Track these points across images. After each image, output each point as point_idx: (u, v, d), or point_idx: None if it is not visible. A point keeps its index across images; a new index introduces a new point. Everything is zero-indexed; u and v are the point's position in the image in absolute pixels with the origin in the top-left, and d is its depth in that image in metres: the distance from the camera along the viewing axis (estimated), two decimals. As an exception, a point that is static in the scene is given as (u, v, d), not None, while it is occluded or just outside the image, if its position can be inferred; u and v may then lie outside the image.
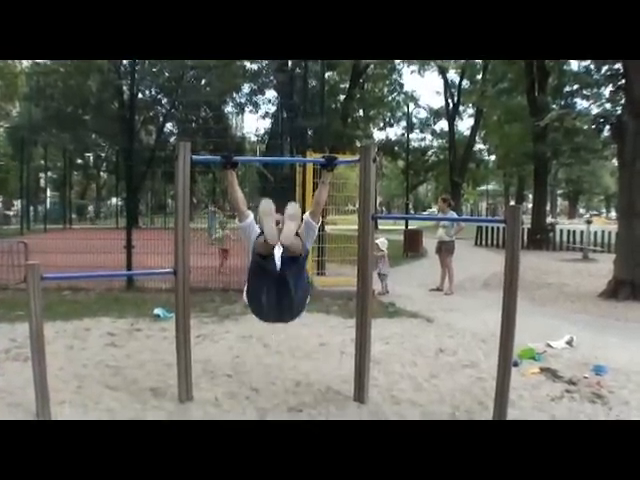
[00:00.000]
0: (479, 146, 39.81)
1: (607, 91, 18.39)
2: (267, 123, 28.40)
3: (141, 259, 9.15)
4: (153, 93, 29.24)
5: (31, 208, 30.79)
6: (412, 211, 50.69)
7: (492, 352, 4.82)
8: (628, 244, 9.22)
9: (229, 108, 30.92)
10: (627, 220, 9.38)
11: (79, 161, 37.82)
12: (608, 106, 16.97)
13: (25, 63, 28.07)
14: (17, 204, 36.06)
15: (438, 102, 47.77)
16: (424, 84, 53.92)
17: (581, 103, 21.99)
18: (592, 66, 19.36)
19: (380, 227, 22.64)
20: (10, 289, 8.34)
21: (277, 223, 3.45)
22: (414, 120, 36.30)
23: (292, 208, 3.45)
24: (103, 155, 37.94)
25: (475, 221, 38.53)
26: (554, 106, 20.81)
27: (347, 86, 28.84)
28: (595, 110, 19.13)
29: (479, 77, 31.65)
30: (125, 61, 21.58)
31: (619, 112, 11.00)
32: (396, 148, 35.21)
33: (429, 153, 40.89)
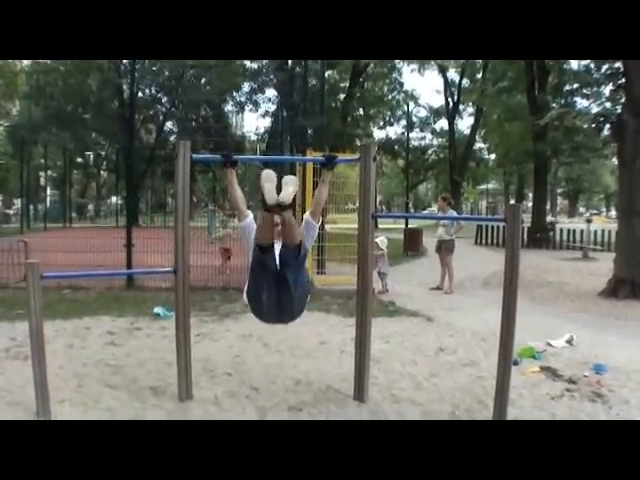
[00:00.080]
0: (479, 145, 39.83)
1: (607, 90, 18.42)
2: (267, 122, 28.48)
3: (141, 258, 9.15)
4: (153, 92, 29.26)
5: (31, 207, 30.81)
6: (412, 210, 50.72)
7: (492, 351, 4.82)
8: (628, 243, 9.22)
9: (229, 107, 31.00)
10: (627, 219, 9.38)
11: (79, 160, 37.81)
12: (608, 105, 16.97)
13: (25, 62, 28.06)
14: (17, 203, 36.05)
15: (438, 101, 47.99)
16: (424, 83, 54.25)
17: (581, 102, 22.01)
18: (592, 65, 19.36)
19: (380, 226, 22.63)
20: (10, 288, 8.34)
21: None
22: (414, 119, 36.29)
23: (288, 177, 3.57)
24: (103, 154, 37.96)
25: (475, 220, 38.53)
26: (554, 105, 20.79)
27: (347, 85, 28.86)
28: (595, 109, 19.14)
29: (479, 76, 31.64)
30: (125, 60, 21.57)
31: (619, 111, 11.00)
32: (396, 147, 35.23)
33: (429, 152, 40.85)
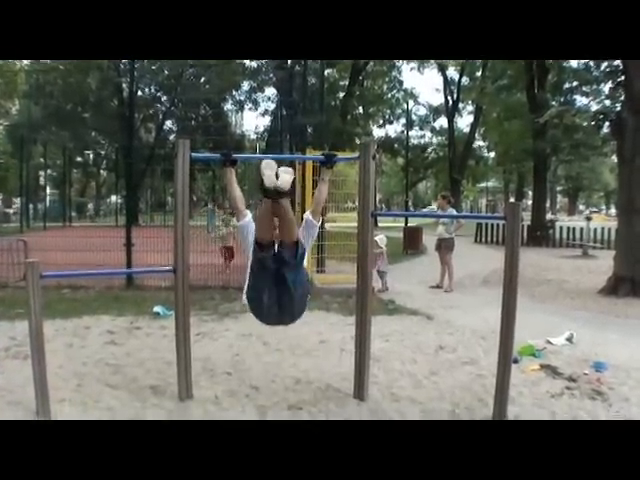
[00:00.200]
0: (479, 143, 39.79)
1: (607, 88, 18.36)
2: (266, 121, 28.55)
3: (141, 257, 9.14)
4: (153, 91, 29.27)
5: (31, 206, 30.86)
6: (412, 208, 50.72)
7: (492, 349, 4.82)
8: (628, 241, 9.22)
9: (228, 106, 31.03)
10: (627, 217, 9.38)
11: (79, 159, 37.84)
12: (608, 103, 16.93)
13: (25, 61, 28.05)
14: (17, 202, 36.05)
15: (437, 99, 47.84)
16: (423, 81, 54.25)
17: (581, 100, 21.97)
18: (591, 63, 19.31)
19: (380, 224, 22.64)
20: (10, 287, 8.34)
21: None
22: (413, 117, 36.28)
23: (285, 167, 3.61)
24: (103, 153, 37.94)
25: (475, 218, 38.42)
26: (553, 103, 20.76)
27: (346, 83, 28.86)
28: (595, 107, 19.13)
29: (479, 74, 31.58)
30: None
31: (619, 109, 10.97)
32: (396, 145, 35.25)
33: (429, 150, 40.86)
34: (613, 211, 50.78)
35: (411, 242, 16.38)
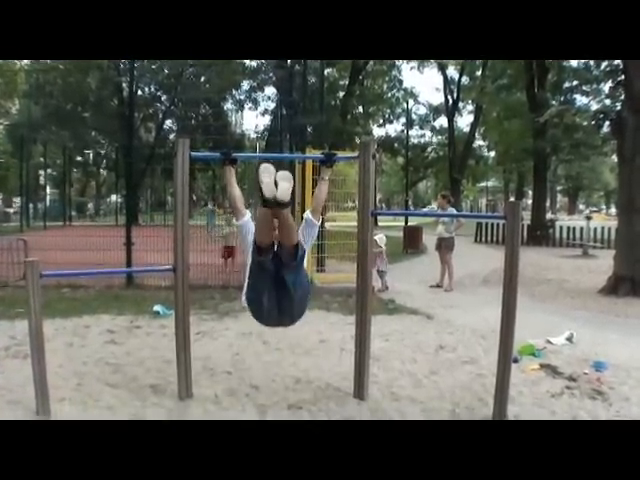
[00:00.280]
0: (479, 142, 39.75)
1: (607, 87, 18.37)
2: (266, 120, 28.54)
3: (141, 256, 9.14)
4: (152, 90, 29.23)
5: (31, 205, 30.86)
6: (412, 208, 50.70)
7: (492, 348, 4.82)
8: (628, 240, 9.22)
9: (228, 105, 30.99)
10: (627, 216, 9.37)
11: (79, 158, 37.82)
12: (608, 102, 16.95)
13: (24, 60, 28.04)
14: (17, 201, 36.05)
15: (437, 98, 47.75)
16: (423, 81, 54.17)
17: (581, 99, 22.00)
18: (592, 62, 19.32)
19: (380, 224, 22.66)
20: (9, 286, 8.33)
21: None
22: (413, 117, 36.24)
23: (283, 172, 3.41)
24: (103, 152, 37.92)
25: (475, 217, 38.46)
26: (554, 102, 20.78)
27: (346, 83, 28.86)
28: (595, 106, 19.16)
29: (478, 73, 31.57)
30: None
31: (619, 108, 10.97)
32: (396, 145, 35.24)
33: (429, 150, 40.85)
34: (613, 210, 50.76)
35: (411, 241, 16.39)
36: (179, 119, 29.92)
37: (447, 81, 36.62)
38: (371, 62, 29.22)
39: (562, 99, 21.76)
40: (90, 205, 45.26)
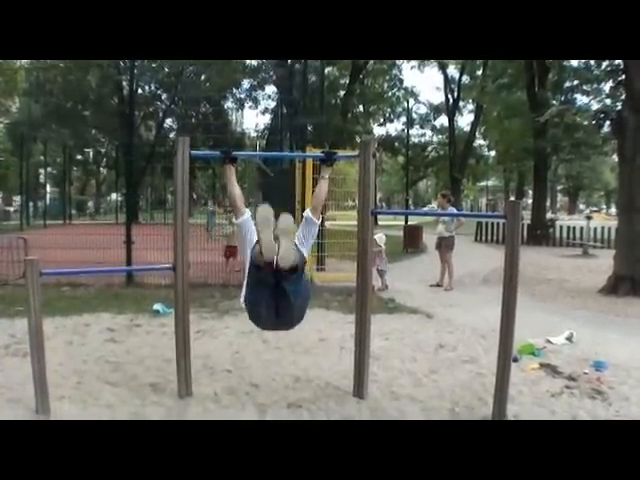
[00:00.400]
0: (479, 142, 39.73)
1: (607, 87, 18.37)
2: (267, 119, 28.62)
3: (141, 255, 9.14)
4: (153, 89, 29.26)
5: (31, 204, 30.86)
6: (412, 207, 50.69)
7: (492, 348, 4.81)
8: (628, 240, 9.21)
9: (229, 104, 31.04)
10: (627, 216, 9.37)
11: (79, 157, 37.89)
12: (608, 102, 16.95)
13: (24, 59, 28.03)
14: (17, 200, 36.05)
15: (438, 98, 47.61)
16: (424, 80, 54.06)
17: (581, 99, 21.96)
18: (592, 62, 19.30)
19: (380, 223, 22.66)
20: (9, 285, 8.33)
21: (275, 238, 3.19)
22: (414, 116, 36.22)
23: (284, 221, 3.20)
24: (103, 151, 37.98)
25: (475, 216, 38.51)
26: (554, 102, 20.76)
27: (347, 82, 28.88)
28: (595, 106, 19.13)
29: (479, 73, 31.55)
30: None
31: (619, 108, 10.97)
32: (396, 144, 35.23)
33: (429, 149, 40.80)
34: (613, 210, 50.75)
35: (411, 241, 16.39)
36: (179, 117, 29.95)
37: (447, 80, 36.61)
38: (371, 61, 29.21)
39: (563, 99, 21.74)
40: (90, 203, 45.29)
